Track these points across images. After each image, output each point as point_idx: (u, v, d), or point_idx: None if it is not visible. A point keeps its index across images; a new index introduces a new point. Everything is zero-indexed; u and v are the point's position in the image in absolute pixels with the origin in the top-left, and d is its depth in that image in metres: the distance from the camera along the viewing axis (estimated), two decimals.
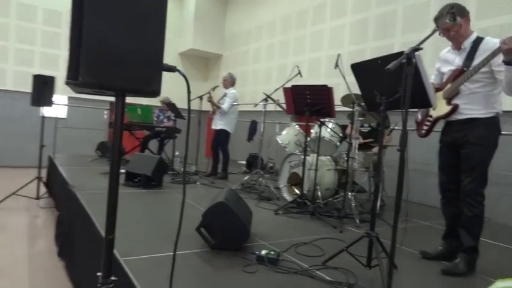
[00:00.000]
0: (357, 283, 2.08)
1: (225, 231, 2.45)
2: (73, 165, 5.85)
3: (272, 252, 2.31)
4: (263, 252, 2.32)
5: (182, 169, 6.08)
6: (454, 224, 2.55)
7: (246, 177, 4.98)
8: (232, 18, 10.44)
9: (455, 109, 2.33)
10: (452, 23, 2.29)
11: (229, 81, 5.91)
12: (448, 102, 2.38)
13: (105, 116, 8.35)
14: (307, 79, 4.61)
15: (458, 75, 2.31)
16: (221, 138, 5.79)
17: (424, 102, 1.96)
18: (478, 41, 2.30)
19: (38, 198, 5.26)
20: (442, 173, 2.58)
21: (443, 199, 2.62)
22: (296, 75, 4.71)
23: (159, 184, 4.62)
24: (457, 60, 2.41)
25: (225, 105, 5.66)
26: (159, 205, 3.76)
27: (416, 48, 1.65)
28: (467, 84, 2.28)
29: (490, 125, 2.32)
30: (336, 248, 2.69)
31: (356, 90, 4.33)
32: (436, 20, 2.38)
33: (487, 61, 2.13)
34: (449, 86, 2.37)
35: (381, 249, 2.21)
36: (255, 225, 3.00)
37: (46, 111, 5.27)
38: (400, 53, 1.98)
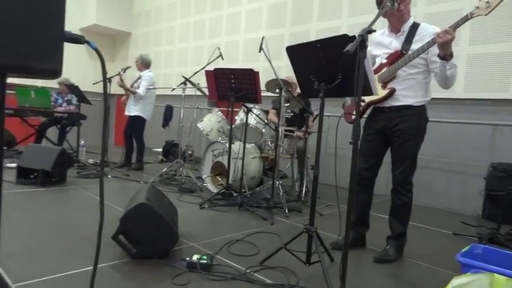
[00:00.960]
0: (298, 283, 1.94)
1: (149, 237, 2.11)
2: None
3: (205, 257, 2.05)
4: (194, 257, 2.05)
5: (89, 160, 5.40)
6: (365, 211, 2.57)
7: (165, 168, 4.57)
8: None
9: (392, 93, 2.27)
10: None
11: (142, 63, 5.36)
12: (384, 86, 2.33)
13: None
14: (224, 63, 4.36)
15: (397, 58, 2.26)
16: (136, 125, 5.25)
17: (366, 89, 1.87)
18: (415, 26, 2.28)
19: None
20: (363, 161, 2.49)
21: (359, 186, 2.52)
22: (217, 57, 4.40)
23: (61, 180, 3.98)
24: (395, 43, 2.34)
25: (140, 89, 5.12)
26: (63, 206, 3.19)
27: (370, 30, 1.51)
28: (405, 69, 2.24)
29: (422, 114, 2.33)
30: (270, 243, 2.56)
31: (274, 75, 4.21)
32: None
33: (427, 46, 2.09)
34: (385, 69, 2.31)
35: (319, 243, 2.10)
36: (181, 223, 2.69)
37: None
38: (343, 36, 1.86)
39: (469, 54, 4.15)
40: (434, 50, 2.12)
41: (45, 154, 3.92)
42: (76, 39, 0.89)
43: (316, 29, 5.78)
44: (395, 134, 2.33)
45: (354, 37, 1.79)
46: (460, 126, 4.19)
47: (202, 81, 5.02)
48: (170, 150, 6.64)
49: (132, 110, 5.23)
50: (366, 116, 2.52)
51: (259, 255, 2.31)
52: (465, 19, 1.98)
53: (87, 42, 0.92)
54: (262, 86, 3.64)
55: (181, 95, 4.56)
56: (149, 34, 9.26)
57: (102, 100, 8.44)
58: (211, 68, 4.31)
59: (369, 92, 1.89)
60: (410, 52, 2.21)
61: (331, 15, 5.56)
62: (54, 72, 0.83)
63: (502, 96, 3.97)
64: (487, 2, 1.95)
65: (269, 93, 3.97)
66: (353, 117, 2.52)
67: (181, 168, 4.50)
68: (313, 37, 5.78)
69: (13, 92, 5.90)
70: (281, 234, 2.78)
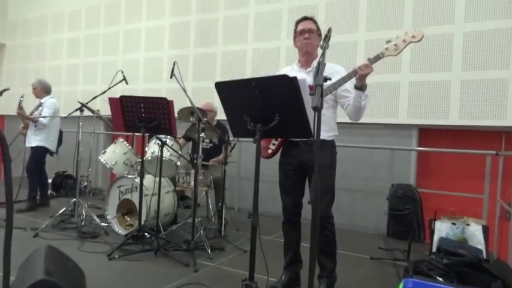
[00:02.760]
0: None
1: None
2: None
3: None
4: None
5: None
6: (298, 248, 2.53)
7: (62, 210, 3.83)
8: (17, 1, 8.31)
9: None
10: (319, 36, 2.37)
11: (40, 89, 4.75)
12: None
13: None
14: (122, 84, 3.93)
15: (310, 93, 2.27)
16: (38, 157, 4.59)
17: (306, 132, 1.77)
18: (318, 63, 2.33)
19: None
20: (288, 197, 2.45)
21: (288, 224, 2.49)
22: (121, 81, 3.95)
23: None
24: (307, 78, 2.33)
25: (43, 119, 4.51)
26: None
27: (326, 78, 1.41)
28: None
29: (334, 147, 2.40)
30: None
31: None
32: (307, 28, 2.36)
33: (343, 81, 2.15)
34: None
35: None
36: (88, 284, 2.23)
37: None
38: (282, 76, 1.74)
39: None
40: (344, 86, 2.21)
41: None
42: None
43: (221, 52, 5.69)
44: (313, 168, 2.30)
45: (294, 78, 1.70)
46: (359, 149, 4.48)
47: (98, 104, 4.46)
48: (62, 183, 5.74)
49: (33, 140, 4.53)
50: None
51: None
52: (377, 58, 2.13)
53: None
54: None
55: (73, 118, 3.94)
56: (30, 46, 8.06)
57: None
58: (108, 91, 3.88)
59: (309, 134, 1.80)
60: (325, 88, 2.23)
61: (236, 38, 5.53)
62: None
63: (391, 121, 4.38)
64: (395, 45, 2.13)
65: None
66: (269, 151, 2.47)
67: (80, 208, 3.86)
68: (219, 60, 5.68)
69: None
70: (209, 283, 2.51)
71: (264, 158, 2.48)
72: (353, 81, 2.17)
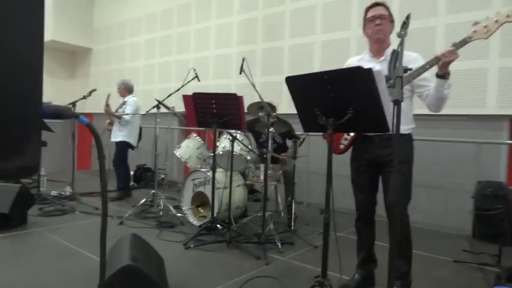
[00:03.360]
0: None
1: None
2: None
3: None
4: None
5: (52, 192, 4.89)
6: (371, 247, 2.42)
7: (142, 201, 4.14)
8: (101, 7, 9.09)
9: None
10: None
11: (124, 88, 5.19)
12: None
13: None
14: (194, 81, 4.10)
15: None
16: (121, 151, 5.02)
17: (383, 127, 1.68)
18: (396, 52, 2.16)
19: None
20: (361, 193, 2.35)
21: (362, 221, 2.40)
22: (193, 78, 4.13)
23: (21, 222, 3.51)
24: (378, 68, 2.19)
25: (126, 116, 4.92)
26: (24, 259, 2.76)
27: (406, 69, 1.32)
28: None
29: (411, 142, 2.25)
30: None
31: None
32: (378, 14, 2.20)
33: (423, 70, 1.97)
34: None
35: None
36: (166, 271, 2.38)
37: None
38: (356, 68, 1.67)
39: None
40: (423, 74, 2.02)
41: (1, 194, 3.44)
42: (58, 115, 0.61)
43: (288, 45, 5.64)
44: (389, 163, 2.16)
45: (369, 70, 1.61)
46: (439, 143, 4.14)
47: (173, 101, 4.71)
48: (142, 175, 6.21)
49: (118, 135, 4.97)
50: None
51: None
52: (464, 42, 1.92)
53: (75, 117, 0.64)
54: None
55: (151, 115, 4.21)
56: (112, 50, 8.79)
57: (60, 122, 7.85)
58: (182, 88, 4.05)
59: (385, 128, 1.70)
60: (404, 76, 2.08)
61: (303, 31, 5.44)
62: (25, 171, 0.54)
63: (478, 112, 3.97)
64: (485, 27, 1.90)
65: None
66: (341, 146, 2.36)
67: (158, 198, 4.14)
68: (286, 54, 5.63)
69: None
70: (280, 277, 2.52)
71: (335, 154, 2.40)
72: (432, 69, 2.00)
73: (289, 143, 4.43)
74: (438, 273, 2.80)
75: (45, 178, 5.49)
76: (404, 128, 2.17)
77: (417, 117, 2.32)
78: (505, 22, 1.88)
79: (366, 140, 2.26)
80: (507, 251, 3.05)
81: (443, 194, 4.21)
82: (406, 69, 1.36)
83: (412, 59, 2.13)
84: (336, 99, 1.78)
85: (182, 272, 2.58)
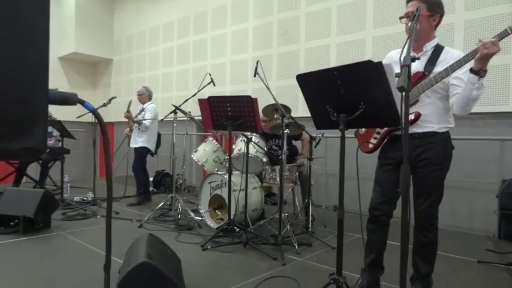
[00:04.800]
0: None
1: None
2: None
3: None
4: None
5: (75, 198, 5.03)
6: (381, 251, 2.29)
7: (160, 204, 4.22)
8: (121, 19, 9.36)
9: (417, 118, 2.04)
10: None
11: (147, 95, 5.33)
12: None
13: None
14: (211, 87, 4.16)
15: (418, 80, 2.05)
16: (140, 156, 5.12)
17: (395, 119, 1.66)
18: (440, 47, 2.10)
19: None
20: (380, 193, 2.22)
21: (375, 223, 2.25)
22: (209, 83, 4.18)
23: (45, 225, 3.62)
24: (416, 63, 2.13)
25: (146, 121, 5.02)
26: (48, 260, 2.84)
27: (414, 58, 1.31)
28: (429, 92, 2.04)
29: (448, 141, 2.12)
30: None
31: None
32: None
33: (457, 65, 1.88)
34: None
35: None
36: (184, 272, 2.40)
37: None
38: (366, 62, 1.66)
39: None
40: (458, 72, 1.93)
41: (27, 198, 3.57)
42: (64, 100, 0.64)
43: (304, 48, 5.65)
44: (419, 164, 2.09)
45: (379, 63, 1.60)
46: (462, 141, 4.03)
47: (190, 107, 4.80)
48: (161, 181, 6.32)
49: (138, 141, 5.09)
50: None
51: None
52: (505, 34, 1.79)
53: (81, 103, 0.67)
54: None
55: (169, 121, 4.30)
56: (132, 60, 9.02)
57: (83, 131, 8.10)
58: (198, 93, 4.11)
59: (397, 122, 1.68)
60: (432, 75, 2.00)
61: (319, 34, 5.44)
62: (32, 152, 0.57)
63: (501, 109, 3.85)
64: None
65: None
66: (370, 145, 2.31)
67: (176, 202, 4.19)
68: (302, 57, 5.64)
69: None
70: (297, 278, 2.50)
71: (364, 152, 2.35)
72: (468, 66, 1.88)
73: (297, 144, 4.42)
74: (462, 274, 2.72)
75: (69, 185, 5.67)
76: (439, 127, 2.07)
77: None
78: None
79: (396, 139, 2.17)
80: None
81: (467, 194, 4.09)
82: (413, 58, 1.33)
83: (452, 56, 2.01)
84: (347, 95, 1.78)
85: (199, 272, 2.60)
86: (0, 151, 0.56)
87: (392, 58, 2.21)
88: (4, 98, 0.54)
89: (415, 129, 2.08)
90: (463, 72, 1.93)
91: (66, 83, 9.59)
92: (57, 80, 9.38)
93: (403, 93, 1.26)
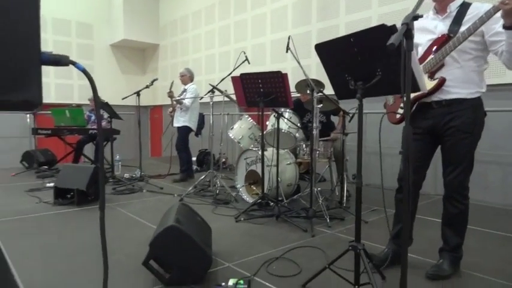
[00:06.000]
0: None
1: (182, 261, 1.97)
2: None
3: (241, 282, 1.88)
4: (230, 282, 1.88)
5: (125, 175, 5.42)
6: (410, 223, 2.25)
7: (200, 178, 4.45)
8: (166, 5, 9.65)
9: (441, 84, 1.96)
10: None
11: (188, 76, 5.51)
12: (431, 77, 2.03)
13: (28, 121, 7.29)
14: (252, 66, 4.21)
15: (443, 43, 1.95)
16: (182, 135, 5.36)
17: (413, 86, 1.61)
18: (466, 5, 1.97)
19: None
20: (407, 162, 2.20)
21: (401, 193, 2.19)
22: (243, 61, 4.24)
23: (96, 198, 3.97)
24: (441, 26, 2.02)
25: (187, 100, 5.23)
26: (97, 226, 3.13)
27: (415, 16, 1.27)
28: (455, 55, 1.94)
29: (478, 108, 2.00)
30: (312, 259, 2.35)
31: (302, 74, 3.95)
32: None
33: (480, 23, 1.78)
34: (431, 57, 2.01)
35: (368, 262, 1.85)
36: (216, 240, 2.55)
37: None
38: (381, 26, 1.62)
39: None
40: (495, 27, 1.81)
41: (80, 173, 3.92)
42: (57, 61, 0.74)
43: (345, 23, 5.49)
44: (447, 132, 2.02)
45: (393, 27, 1.56)
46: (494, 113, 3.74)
47: (230, 87, 4.91)
48: (204, 159, 6.57)
49: (180, 121, 5.33)
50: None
51: (301, 275, 2.11)
52: None
53: (73, 63, 0.77)
54: (292, 88, 3.43)
55: (210, 103, 4.45)
56: (176, 44, 9.31)
57: (133, 114, 8.59)
58: (233, 70, 4.19)
59: (416, 88, 1.63)
60: (459, 34, 1.89)
61: (359, 6, 5.24)
62: (29, 104, 0.68)
63: None
64: None
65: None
66: (397, 116, 2.26)
67: (215, 179, 4.38)
68: (342, 32, 5.48)
69: (49, 112, 6.07)
70: (324, 248, 2.55)
71: (392, 123, 2.32)
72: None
73: (335, 120, 4.36)
74: (494, 248, 2.60)
75: (120, 163, 6.10)
76: (467, 92, 1.97)
77: (488, 88, 2.07)
78: None
79: (423, 107, 2.11)
80: None
81: (499, 167, 3.83)
82: (416, 17, 1.28)
83: (481, 11, 1.85)
84: (364, 62, 1.75)
85: (230, 241, 2.74)
86: (3, 102, 0.67)
87: (415, 25, 2.11)
88: (2, 58, 0.65)
89: (441, 95, 2.00)
90: (500, 25, 1.79)
91: (118, 69, 10.15)
92: (110, 66, 9.96)
93: (406, 54, 1.23)
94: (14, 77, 0.66)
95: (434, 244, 2.30)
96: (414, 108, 2.18)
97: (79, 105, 6.79)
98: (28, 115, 7.28)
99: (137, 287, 1.96)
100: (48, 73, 8.84)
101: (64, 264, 2.29)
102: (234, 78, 3.61)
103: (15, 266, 2.21)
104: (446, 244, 2.17)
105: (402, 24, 1.24)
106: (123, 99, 5.19)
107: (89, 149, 6.41)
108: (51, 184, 4.50)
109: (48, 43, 8.74)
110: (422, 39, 2.10)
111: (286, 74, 3.24)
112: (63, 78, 9.04)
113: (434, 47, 2.01)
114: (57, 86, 9.03)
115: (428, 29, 2.08)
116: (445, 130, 2.02)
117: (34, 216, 3.38)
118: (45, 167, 6.15)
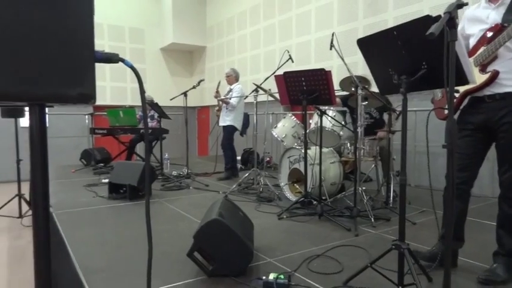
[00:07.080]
0: None
1: (224, 254, 2.04)
2: (54, 178, 5.38)
3: (282, 276, 1.90)
4: (271, 276, 1.91)
5: (173, 173, 5.65)
6: (458, 223, 2.13)
7: (243, 176, 4.54)
8: (212, 7, 9.91)
9: (494, 77, 1.86)
10: None
11: (234, 76, 5.62)
12: (483, 70, 1.93)
13: (87, 121, 7.85)
14: (297, 65, 4.20)
15: (496, 33, 1.85)
16: (227, 134, 5.48)
17: (460, 78, 1.54)
18: None
19: (20, 216, 4.80)
20: (458, 161, 2.04)
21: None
22: (287, 60, 4.26)
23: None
24: (493, 15, 1.91)
25: (232, 100, 5.35)
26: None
27: (459, 4, 1.22)
28: (510, 45, 1.82)
29: None
30: (354, 258, 2.32)
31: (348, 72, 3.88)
32: None
33: None
34: (483, 49, 1.91)
35: (413, 262, 1.79)
36: (258, 236, 2.60)
37: (22, 121, 4.80)
38: (425, 18, 1.57)
39: None
40: None
41: (132, 170, 4.15)
42: (109, 59, 0.81)
43: (393, 17, 5.30)
44: (502, 128, 1.90)
45: (439, 17, 1.50)
46: None
47: (274, 86, 4.94)
48: (248, 158, 6.66)
49: (226, 120, 5.45)
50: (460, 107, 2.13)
51: (343, 273, 2.08)
52: None
53: (122, 61, 0.84)
54: (336, 85, 3.39)
55: (258, 102, 4.53)
56: (223, 45, 9.53)
57: (181, 114, 8.90)
58: (277, 69, 4.21)
59: (464, 80, 1.56)
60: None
61: (408, 1, 5.04)
62: (85, 97, 0.75)
63: None
64: None
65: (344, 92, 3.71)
66: (446, 112, 2.16)
67: (258, 177, 4.43)
68: (391, 26, 5.30)
69: (105, 113, 6.48)
70: (367, 247, 2.50)
71: (440, 119, 2.23)
72: None
73: (386, 117, 4.23)
74: None
75: (168, 161, 6.36)
76: None
77: None
78: None
79: (475, 101, 2.01)
80: None
81: None
82: (460, 5, 1.23)
83: None
84: (409, 55, 1.70)
85: (271, 236, 2.77)
86: (63, 96, 0.75)
87: (466, 16, 2.02)
88: (62, 56, 0.73)
89: (494, 89, 1.88)
90: None
91: (167, 72, 10.59)
92: (159, 69, 10.41)
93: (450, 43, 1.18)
94: (72, 73, 0.74)
95: (489, 248, 2.17)
96: (465, 102, 2.08)
97: (132, 107, 7.17)
98: (87, 116, 7.82)
99: (182, 277, 2.05)
100: (105, 77, 9.45)
101: (116, 253, 2.45)
102: (277, 77, 3.64)
103: (73, 251, 2.40)
104: (501, 247, 2.04)
105: (444, 13, 1.19)
106: (171, 99, 5.41)
107: (141, 148, 6.76)
108: (106, 180, 4.80)
109: (105, 48, 9.33)
110: (474, 30, 1.99)
111: (329, 71, 3.21)
112: (117, 81, 9.61)
113: (487, 38, 1.90)
114: (112, 89, 9.62)
115: (480, 18, 1.97)
116: (499, 126, 1.91)
117: (91, 209, 3.64)
118: (101, 164, 6.57)
